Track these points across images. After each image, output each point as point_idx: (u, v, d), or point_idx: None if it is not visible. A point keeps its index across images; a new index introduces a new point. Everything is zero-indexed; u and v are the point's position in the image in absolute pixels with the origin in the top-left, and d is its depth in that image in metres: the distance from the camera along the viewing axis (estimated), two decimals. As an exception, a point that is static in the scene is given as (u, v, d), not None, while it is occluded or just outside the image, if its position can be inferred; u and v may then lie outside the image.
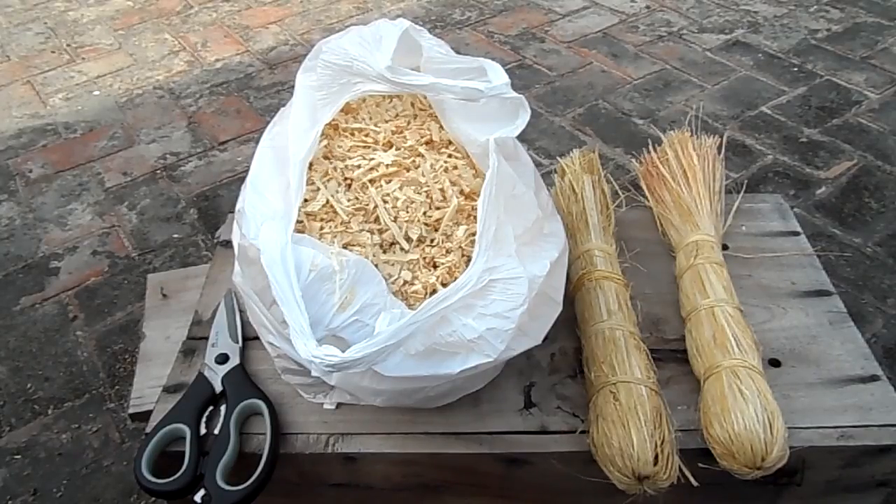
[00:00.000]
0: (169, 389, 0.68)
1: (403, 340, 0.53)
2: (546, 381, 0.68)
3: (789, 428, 0.60)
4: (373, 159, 0.68)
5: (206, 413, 0.64)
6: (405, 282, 0.61)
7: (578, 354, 0.70)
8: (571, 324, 0.72)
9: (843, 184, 1.52)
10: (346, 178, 0.68)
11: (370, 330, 0.56)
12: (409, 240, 0.63)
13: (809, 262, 0.80)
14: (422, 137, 0.71)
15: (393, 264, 0.62)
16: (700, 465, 0.60)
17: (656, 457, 0.58)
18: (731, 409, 0.59)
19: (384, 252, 0.63)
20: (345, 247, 0.62)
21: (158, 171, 1.64)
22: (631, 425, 0.59)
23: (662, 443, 0.59)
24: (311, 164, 0.67)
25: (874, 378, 0.68)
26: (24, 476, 1.06)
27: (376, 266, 0.61)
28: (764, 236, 0.83)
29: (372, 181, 0.67)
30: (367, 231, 0.63)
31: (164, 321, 0.92)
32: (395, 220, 0.64)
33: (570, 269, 0.72)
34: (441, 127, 0.72)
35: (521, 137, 0.65)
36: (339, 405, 0.66)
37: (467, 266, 0.58)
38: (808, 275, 0.78)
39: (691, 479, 0.59)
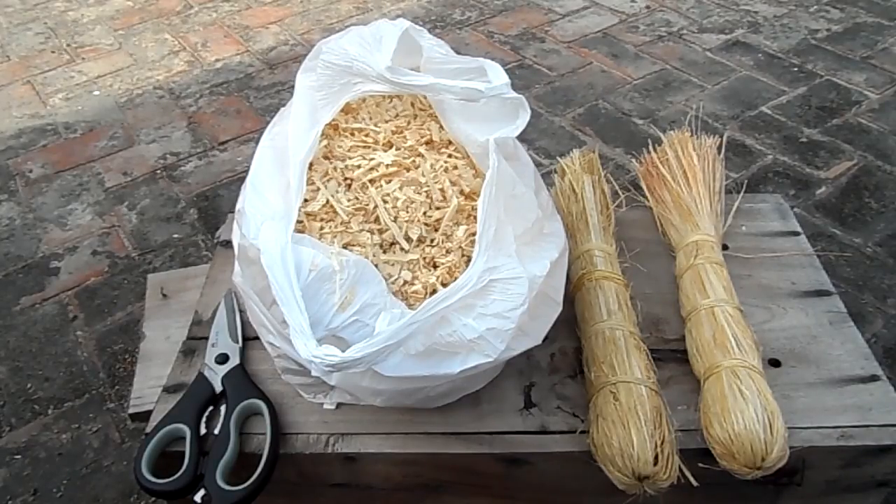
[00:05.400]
0: (169, 389, 0.68)
1: (403, 340, 0.53)
2: (546, 381, 0.68)
3: (789, 428, 0.60)
4: (373, 159, 0.68)
5: (206, 413, 0.64)
6: (405, 282, 0.61)
7: (578, 354, 0.70)
8: (571, 324, 0.72)
9: (843, 184, 1.52)
10: (346, 178, 0.68)
11: (370, 330, 0.56)
12: (409, 240, 0.63)
13: (809, 262, 0.80)
14: (422, 137, 0.71)
15: (393, 264, 0.62)
16: (700, 465, 0.60)
17: (656, 457, 0.58)
18: (731, 409, 0.59)
19: (384, 252, 0.63)
20: (345, 247, 0.62)
21: (158, 171, 1.64)
22: (631, 425, 0.59)
23: (662, 443, 0.59)
24: (311, 164, 0.67)
25: (874, 378, 0.68)
26: (24, 476, 1.06)
27: (376, 266, 0.61)
28: (764, 236, 0.83)
29: (372, 181, 0.67)
30: (367, 231, 0.63)
31: (164, 321, 0.92)
32: (395, 220, 0.64)
33: (570, 269, 0.72)
34: (441, 127, 0.72)
35: (521, 137, 0.65)
36: (339, 405, 0.66)
37: (467, 266, 0.58)
38: (808, 275, 0.78)
39: (691, 479, 0.59)
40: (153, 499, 0.98)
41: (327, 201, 0.65)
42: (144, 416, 0.73)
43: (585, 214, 0.80)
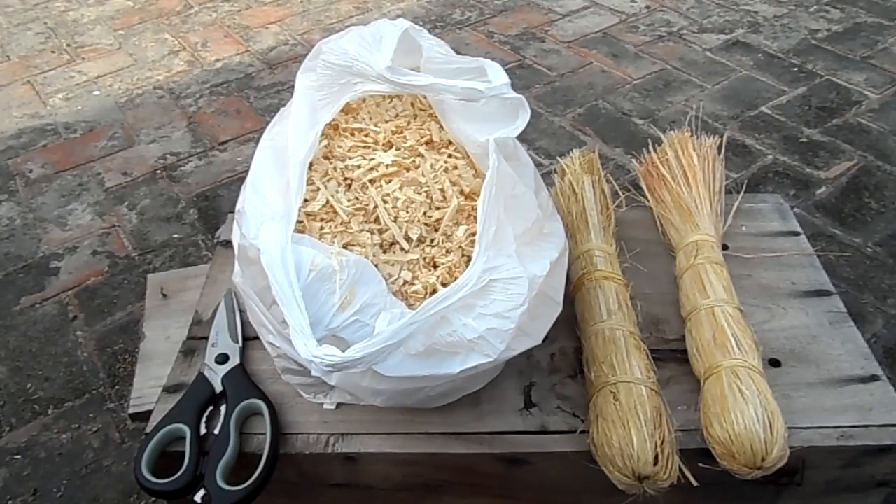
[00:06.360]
0: (169, 389, 0.68)
1: (403, 340, 0.53)
2: (546, 381, 0.68)
3: (789, 428, 0.60)
4: (373, 159, 0.68)
5: (206, 413, 0.64)
6: (405, 282, 0.61)
7: (578, 354, 0.70)
8: (571, 324, 0.72)
9: (843, 184, 1.52)
10: (346, 178, 0.68)
11: (370, 330, 0.56)
12: (409, 240, 0.63)
13: (809, 262, 0.80)
14: (422, 137, 0.71)
15: (393, 264, 0.62)
16: (700, 465, 0.60)
17: (656, 457, 0.58)
18: (731, 409, 0.59)
19: (384, 252, 0.63)
20: (345, 247, 0.62)
21: (158, 171, 1.64)
22: (631, 425, 0.59)
23: (662, 443, 0.59)
24: (311, 164, 0.67)
25: (874, 378, 0.68)
26: (24, 476, 1.06)
27: (376, 266, 0.61)
28: (764, 236, 0.83)
29: (372, 181, 0.67)
30: (367, 231, 0.63)
31: (164, 321, 0.92)
32: (395, 220, 0.64)
33: (570, 269, 0.72)
34: (441, 127, 0.72)
35: (521, 137, 0.65)
36: (339, 405, 0.66)
37: (467, 266, 0.58)
38: (808, 275, 0.78)
39: (691, 479, 0.59)
40: (153, 499, 0.98)
41: (327, 201, 0.65)
42: (144, 416, 0.73)
43: (585, 214, 0.80)
